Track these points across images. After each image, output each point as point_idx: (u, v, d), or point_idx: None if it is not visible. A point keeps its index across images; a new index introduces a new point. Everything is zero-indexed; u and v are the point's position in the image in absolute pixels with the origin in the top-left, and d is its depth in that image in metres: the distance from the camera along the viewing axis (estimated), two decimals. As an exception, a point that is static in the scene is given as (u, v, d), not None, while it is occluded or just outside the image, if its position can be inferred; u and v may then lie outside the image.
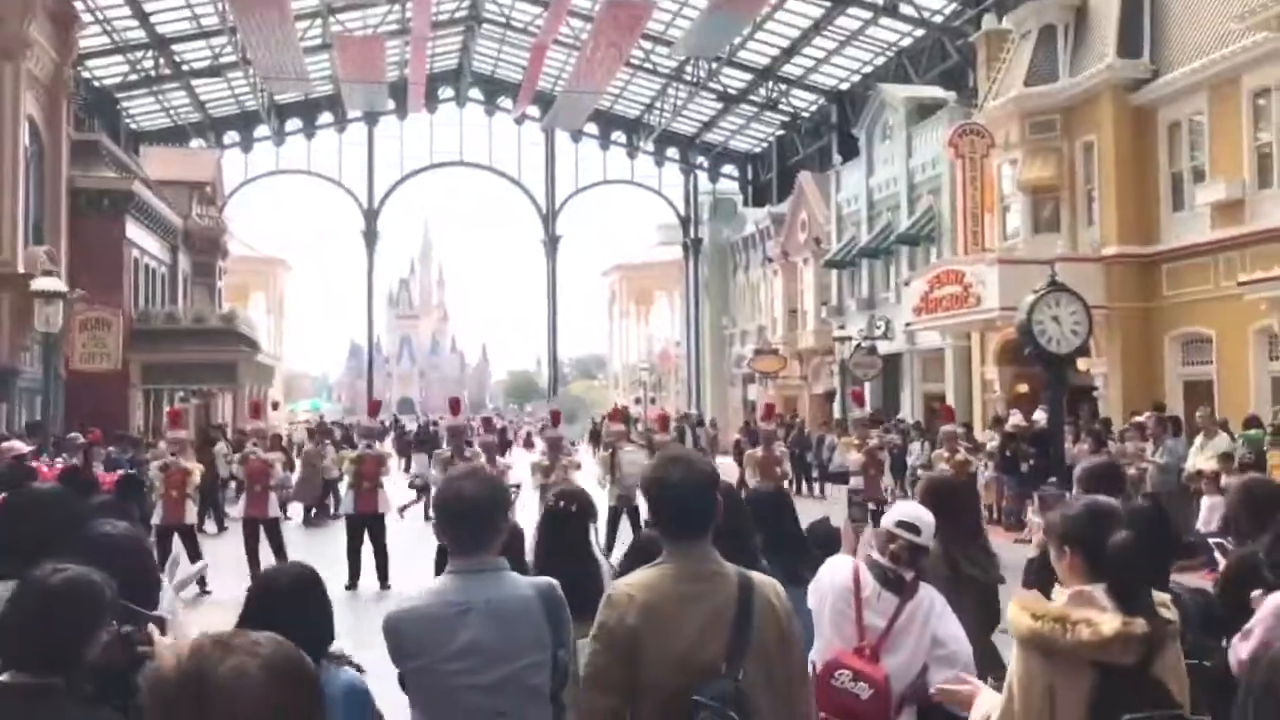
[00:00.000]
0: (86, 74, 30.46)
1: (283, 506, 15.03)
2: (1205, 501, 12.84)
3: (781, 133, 40.02)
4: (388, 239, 48.81)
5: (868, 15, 29.94)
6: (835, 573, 4.12)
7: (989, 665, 4.69)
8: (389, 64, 33.33)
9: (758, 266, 38.86)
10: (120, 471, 10.75)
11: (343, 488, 14.84)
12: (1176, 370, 19.33)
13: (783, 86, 35.98)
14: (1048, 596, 4.21)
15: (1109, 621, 2.92)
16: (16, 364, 20.47)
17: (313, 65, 32.65)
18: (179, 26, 31.07)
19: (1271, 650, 2.18)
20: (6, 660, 2.58)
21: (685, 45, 30.25)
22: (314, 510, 18.91)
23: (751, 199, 42.73)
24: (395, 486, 14.58)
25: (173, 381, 27.71)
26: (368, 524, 12.16)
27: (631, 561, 3.68)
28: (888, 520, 4.20)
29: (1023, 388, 22.72)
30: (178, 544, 10.60)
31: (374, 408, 14.15)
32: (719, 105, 38.97)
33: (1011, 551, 10.67)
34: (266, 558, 11.37)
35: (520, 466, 16.08)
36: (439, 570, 11.70)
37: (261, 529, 12.22)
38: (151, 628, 2.98)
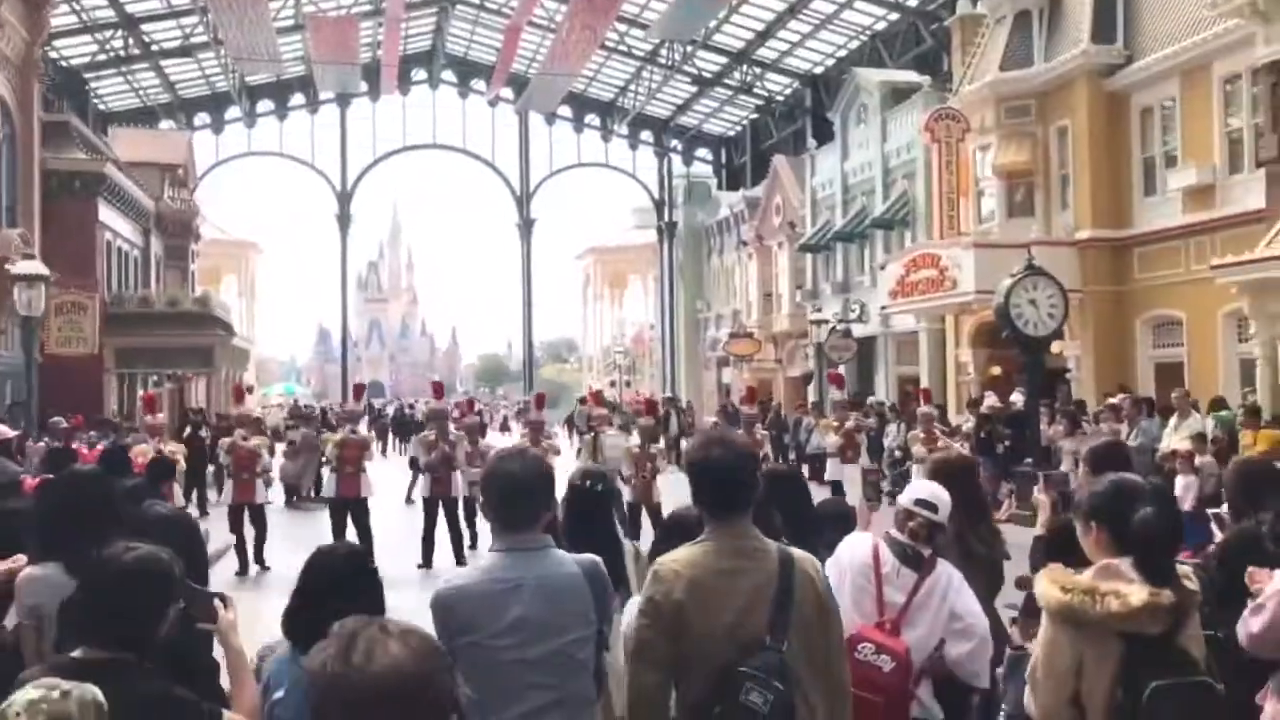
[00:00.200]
0: (54, 53, 30.01)
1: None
2: (1180, 480, 13.09)
3: (755, 116, 40.10)
4: (361, 222, 48.42)
5: (842, -1, 30.07)
6: (855, 550, 4.25)
7: (995, 637, 4.85)
8: (362, 45, 33.09)
9: (732, 250, 38.99)
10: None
11: (325, 471, 14.85)
12: (1148, 353, 19.66)
13: (757, 70, 36.05)
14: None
15: (1137, 593, 3.05)
16: (-7, 348, 20.27)
17: (285, 46, 32.33)
18: (149, 5, 30.67)
19: None
20: (80, 636, 2.64)
21: (661, 28, 30.22)
22: (299, 495, 18.86)
23: (725, 182, 42.83)
24: (377, 470, 14.56)
25: (147, 366, 27.47)
26: (350, 507, 12.18)
27: (666, 538, 3.77)
28: (906, 499, 4.33)
29: (996, 370, 23.02)
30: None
31: (358, 392, 14.13)
32: (693, 88, 38.98)
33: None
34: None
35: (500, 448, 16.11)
36: (425, 554, 11.76)
37: (247, 514, 12.25)
38: (217, 603, 3.05)
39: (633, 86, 39.55)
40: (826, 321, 26.15)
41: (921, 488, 4.33)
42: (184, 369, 28.66)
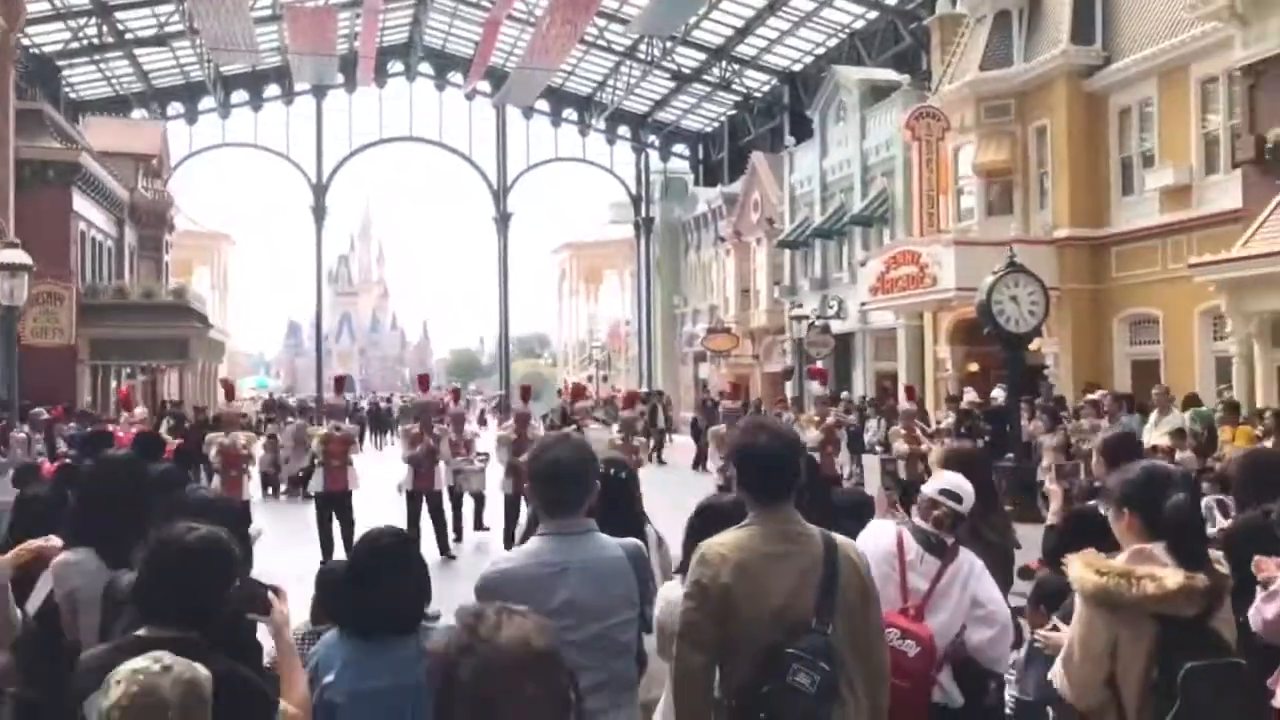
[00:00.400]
0: (26, 40, 29.59)
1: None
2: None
3: (733, 112, 40.21)
4: (336, 215, 48.11)
5: (822, -4, 30.20)
6: (879, 537, 4.31)
7: (1009, 625, 4.93)
8: (339, 36, 32.88)
9: (709, 246, 39.10)
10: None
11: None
12: (1125, 350, 19.94)
13: (736, 66, 36.15)
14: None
15: (1172, 576, 3.13)
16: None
17: (261, 36, 32.09)
18: (124, -7, 30.34)
19: None
20: (145, 615, 2.65)
21: (641, 23, 30.27)
22: (275, 487, 18.76)
23: (702, 178, 42.93)
24: (364, 463, 14.50)
25: (122, 357, 27.20)
26: (336, 500, 12.14)
27: (702, 526, 3.81)
28: (930, 489, 4.40)
29: (974, 366, 23.28)
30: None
31: (339, 384, 14.05)
32: (672, 84, 39.02)
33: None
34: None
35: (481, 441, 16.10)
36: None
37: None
38: (271, 595, 3.06)
39: (611, 81, 39.54)
40: (807, 317, 26.27)
41: (946, 478, 4.40)
42: (159, 361, 28.40)
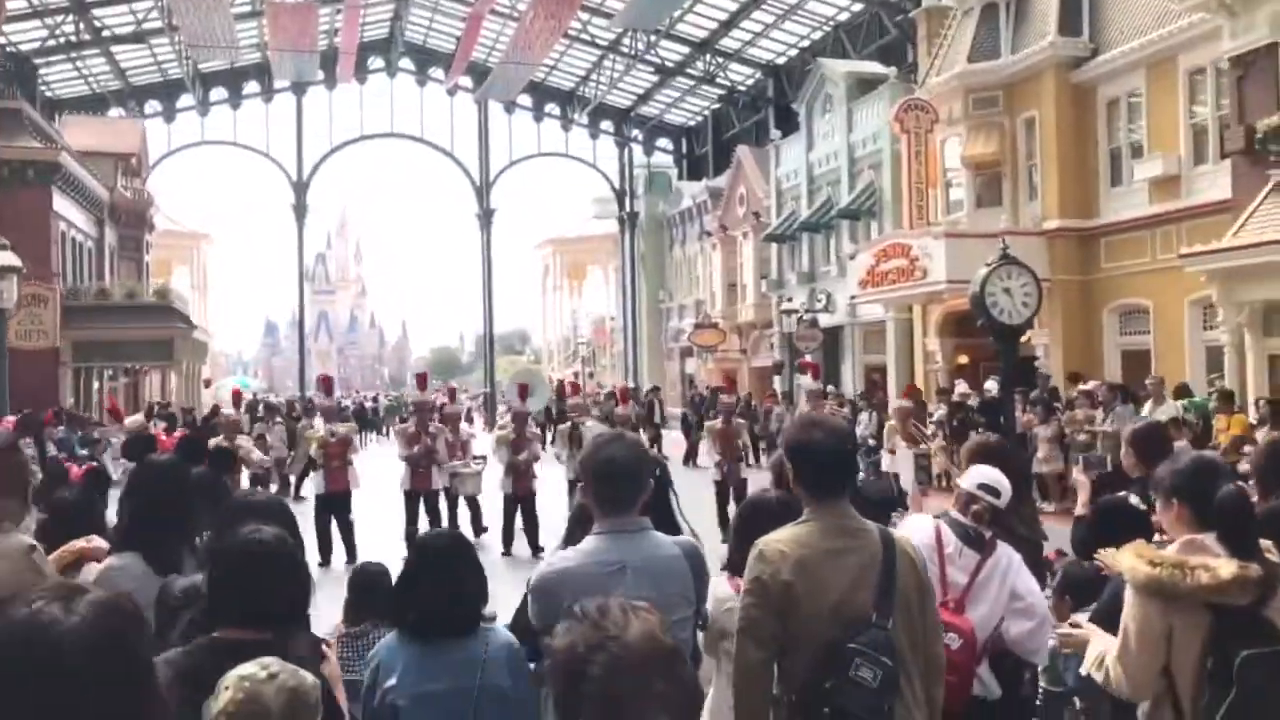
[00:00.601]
0: (2, 39, 29.26)
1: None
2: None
3: (718, 106, 40.19)
4: (318, 213, 47.83)
5: (806, -12, 30.21)
6: (918, 532, 4.30)
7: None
8: (319, 33, 32.63)
9: (695, 240, 39.08)
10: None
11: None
12: (1115, 340, 20.05)
13: (720, 60, 36.11)
14: (1094, 550, 4.45)
15: (1226, 566, 3.14)
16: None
17: (240, 33, 31.79)
18: (102, -10, 30.01)
19: None
20: (219, 618, 2.61)
21: (625, 17, 30.18)
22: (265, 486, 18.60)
23: (686, 172, 42.90)
24: (364, 463, 14.41)
25: (104, 359, 26.94)
26: (335, 501, 12.06)
27: (751, 524, 3.79)
28: (968, 483, 4.41)
29: (963, 359, 23.35)
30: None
31: (328, 384, 13.94)
32: (655, 78, 38.95)
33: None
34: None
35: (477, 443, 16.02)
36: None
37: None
38: (324, 648, 3.03)
39: (594, 76, 39.43)
40: (796, 311, 26.30)
41: (984, 473, 4.41)
42: (143, 362, 28.15)
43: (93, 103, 36.79)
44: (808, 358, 26.89)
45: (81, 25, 30.57)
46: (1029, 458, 16.04)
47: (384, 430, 36.14)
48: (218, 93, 39.24)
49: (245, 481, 18.33)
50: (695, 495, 14.83)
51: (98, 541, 3.72)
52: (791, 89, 34.17)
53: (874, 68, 28.48)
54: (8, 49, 30.02)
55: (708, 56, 35.88)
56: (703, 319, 34.59)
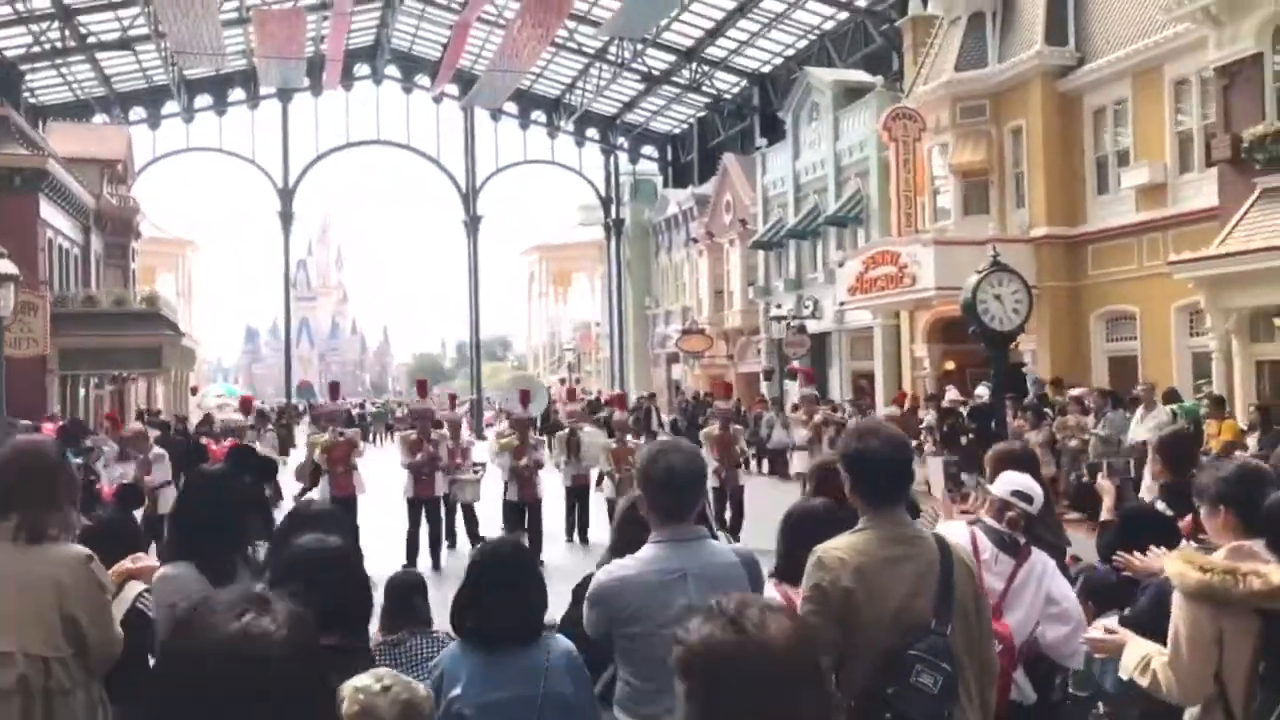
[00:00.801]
0: (-14, 45, 29.13)
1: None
2: (1147, 471, 13.55)
3: (703, 114, 40.33)
4: (304, 219, 47.65)
5: (793, -2, 30.39)
6: (953, 538, 4.37)
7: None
8: (306, 39, 32.59)
9: (681, 247, 39.20)
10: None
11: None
12: (1102, 346, 20.27)
13: (706, 68, 36.26)
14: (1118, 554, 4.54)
15: (1277, 572, 3.22)
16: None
17: (227, 40, 31.70)
18: (88, -3, 29.87)
19: None
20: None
21: (613, 26, 30.26)
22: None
23: (672, 180, 43.03)
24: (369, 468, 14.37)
25: (92, 367, 26.76)
26: (341, 507, 12.04)
27: (796, 529, 3.86)
28: (1001, 490, 4.49)
29: (950, 365, 23.54)
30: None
31: (334, 390, 13.94)
32: (641, 86, 39.08)
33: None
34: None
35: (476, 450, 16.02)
36: (410, 555, 11.60)
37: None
38: None
39: (580, 83, 39.52)
40: (785, 317, 26.43)
41: (1016, 479, 4.49)
42: (132, 370, 27.99)
43: (77, 109, 36.61)
44: (795, 363, 27.05)
45: (67, 32, 30.40)
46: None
47: (370, 437, 36.03)
48: (203, 99, 39.11)
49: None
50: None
51: (145, 560, 3.74)
52: (777, 97, 34.35)
53: (860, 76, 28.68)
54: (-9, 55, 29.86)
55: (694, 65, 36.02)
56: (690, 325, 34.69)
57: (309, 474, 11.63)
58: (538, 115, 42.70)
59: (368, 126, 41.62)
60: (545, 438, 16.87)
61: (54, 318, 24.79)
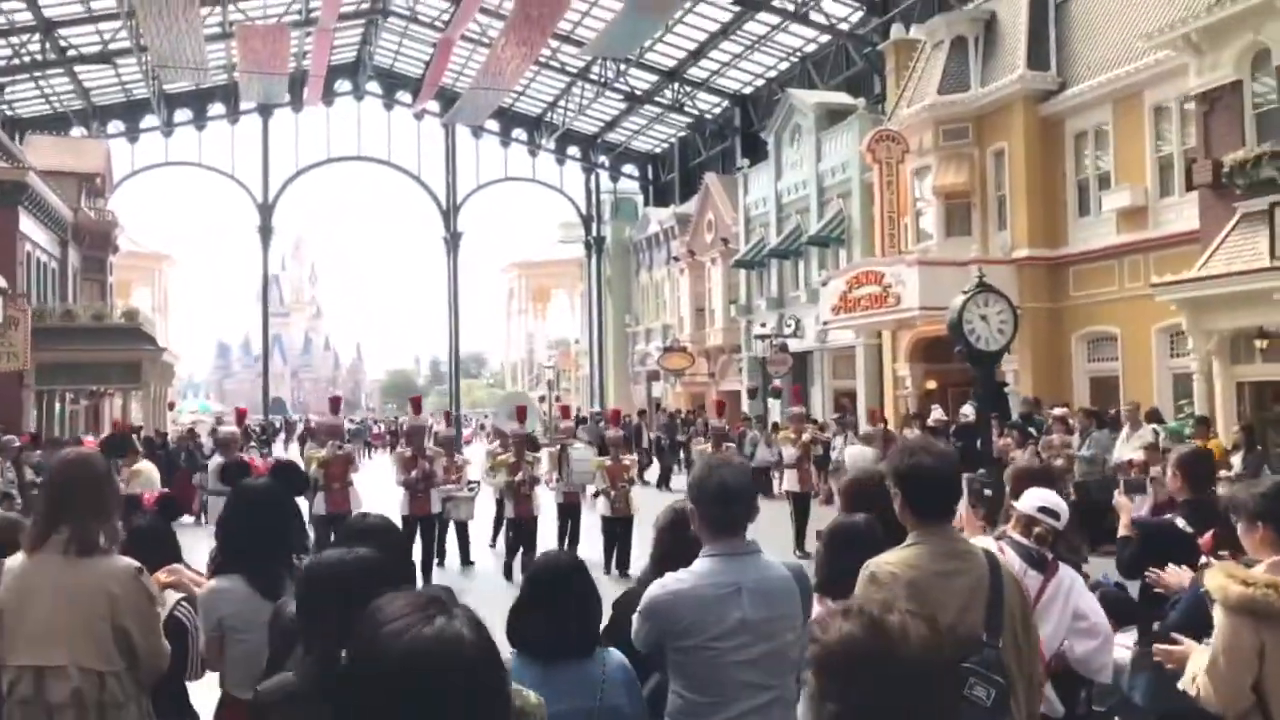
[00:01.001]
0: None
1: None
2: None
3: (684, 134, 40.57)
4: (284, 235, 47.45)
5: (776, 20, 30.66)
6: (990, 554, 4.45)
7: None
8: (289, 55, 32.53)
9: (662, 265, 39.33)
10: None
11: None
12: (1083, 367, 20.50)
13: (688, 88, 36.51)
14: (1144, 571, 4.62)
15: (1317, 586, 3.31)
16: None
17: (208, 54, 31.61)
18: (69, 10, 29.68)
19: None
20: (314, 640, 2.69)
21: (598, 46, 30.44)
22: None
23: (652, 199, 43.22)
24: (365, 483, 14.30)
25: (69, 382, 26.48)
26: (337, 524, 11.98)
27: (837, 544, 3.90)
28: (1028, 506, 4.56)
29: (931, 384, 23.74)
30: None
31: (335, 404, 13.87)
32: (623, 105, 39.28)
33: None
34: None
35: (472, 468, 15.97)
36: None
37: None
38: None
39: (562, 102, 39.67)
40: (769, 336, 26.57)
41: (1042, 495, 4.57)
42: (110, 385, 27.71)
43: (54, 122, 36.36)
44: (777, 381, 27.18)
45: (47, 44, 30.21)
46: (1004, 483, 16.30)
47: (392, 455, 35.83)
48: (182, 114, 38.95)
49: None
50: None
51: (182, 572, 3.74)
52: (758, 118, 34.63)
53: (842, 98, 28.97)
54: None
55: (676, 85, 36.27)
56: (671, 343, 34.78)
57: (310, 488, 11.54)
58: (519, 133, 42.83)
59: (349, 142, 41.62)
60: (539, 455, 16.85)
61: (32, 332, 24.54)
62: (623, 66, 34.98)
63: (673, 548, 3.89)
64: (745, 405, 30.28)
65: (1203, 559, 4.63)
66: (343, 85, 40.62)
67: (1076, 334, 20.46)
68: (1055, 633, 4.35)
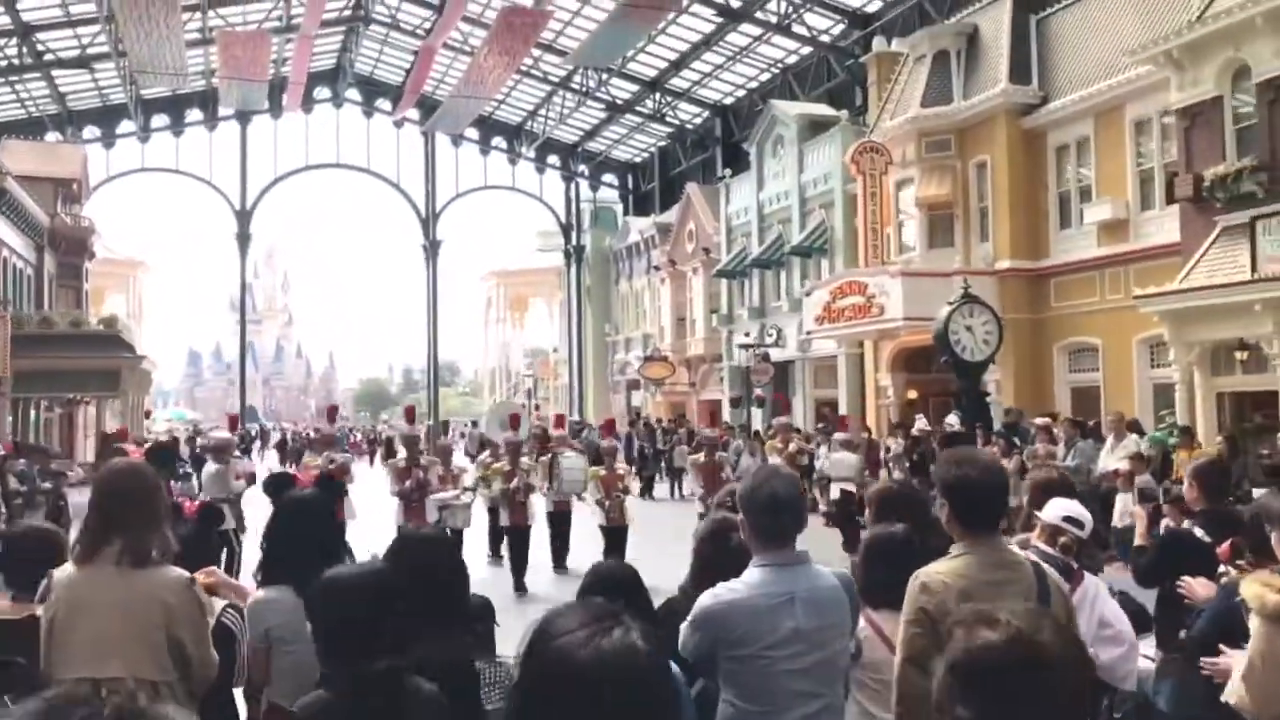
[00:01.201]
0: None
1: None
2: (1120, 498, 13.89)
3: (665, 143, 40.70)
4: (261, 242, 47.13)
5: (759, 32, 30.85)
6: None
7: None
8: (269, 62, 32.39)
9: (642, 274, 39.39)
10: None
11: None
12: (1065, 377, 20.72)
13: (669, 99, 36.65)
14: (1162, 579, 4.71)
15: (1352, 595, 3.40)
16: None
17: (188, 60, 31.42)
18: (48, 14, 29.43)
19: None
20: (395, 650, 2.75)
21: (581, 56, 30.53)
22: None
23: (632, 208, 43.31)
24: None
25: (47, 390, 26.15)
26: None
27: (878, 554, 3.96)
28: (1053, 516, 4.63)
29: (913, 394, 23.93)
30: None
31: (331, 414, 13.82)
32: (603, 114, 39.37)
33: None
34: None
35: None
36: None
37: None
38: None
39: (542, 111, 39.71)
40: (754, 345, 26.68)
41: (1066, 505, 4.64)
42: (89, 393, 27.41)
43: (29, 126, 35.99)
44: (760, 391, 27.29)
45: (24, 48, 29.92)
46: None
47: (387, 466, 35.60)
48: (159, 119, 38.68)
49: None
50: (678, 525, 14.97)
51: (219, 575, 3.75)
52: (739, 128, 34.80)
53: (824, 110, 29.18)
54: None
55: (657, 95, 36.40)
56: (652, 352, 34.83)
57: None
58: (499, 141, 42.82)
59: (327, 149, 41.48)
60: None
61: (9, 339, 24.24)
62: (604, 76, 35.07)
63: (714, 557, 3.93)
64: (728, 414, 30.39)
65: (1221, 568, 4.73)
66: (322, 92, 40.48)
67: (1058, 345, 20.68)
68: (1081, 641, 4.43)
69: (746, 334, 27.96)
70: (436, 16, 32.51)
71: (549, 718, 1.38)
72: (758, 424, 26.23)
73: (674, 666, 3.40)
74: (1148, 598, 5.28)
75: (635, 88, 36.49)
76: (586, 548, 13.82)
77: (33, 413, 27.55)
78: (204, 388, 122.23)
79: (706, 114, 37.38)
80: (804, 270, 28.23)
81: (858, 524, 12.37)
